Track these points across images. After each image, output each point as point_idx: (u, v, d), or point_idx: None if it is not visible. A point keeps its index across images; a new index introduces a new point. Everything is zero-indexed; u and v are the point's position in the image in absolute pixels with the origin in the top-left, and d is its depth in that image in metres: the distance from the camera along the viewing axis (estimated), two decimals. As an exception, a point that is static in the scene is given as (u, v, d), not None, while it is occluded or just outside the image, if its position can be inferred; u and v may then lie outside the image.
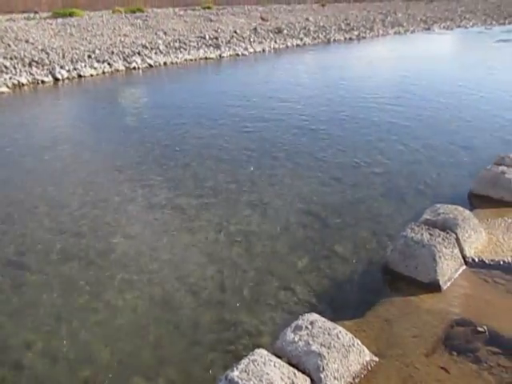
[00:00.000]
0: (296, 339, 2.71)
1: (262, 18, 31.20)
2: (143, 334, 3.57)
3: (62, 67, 14.68)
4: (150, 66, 17.04)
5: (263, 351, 2.66)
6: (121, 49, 18.10)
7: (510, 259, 3.81)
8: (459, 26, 38.75)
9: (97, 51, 17.21)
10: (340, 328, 2.81)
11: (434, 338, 3.02)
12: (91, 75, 14.98)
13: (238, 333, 3.54)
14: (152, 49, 18.79)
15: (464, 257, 3.76)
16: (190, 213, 5.45)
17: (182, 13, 31.25)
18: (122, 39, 20.21)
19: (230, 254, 4.58)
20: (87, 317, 3.75)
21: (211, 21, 28.32)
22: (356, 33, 29.64)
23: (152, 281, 4.20)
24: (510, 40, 27.77)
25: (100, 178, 6.57)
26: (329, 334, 2.72)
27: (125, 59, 16.81)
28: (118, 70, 15.93)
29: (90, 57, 16.37)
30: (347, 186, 6.15)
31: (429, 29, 35.90)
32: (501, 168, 5.06)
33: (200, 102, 11.40)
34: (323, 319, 2.87)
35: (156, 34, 22.00)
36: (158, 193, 6.01)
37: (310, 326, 2.78)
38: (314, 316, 2.89)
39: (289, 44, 24.06)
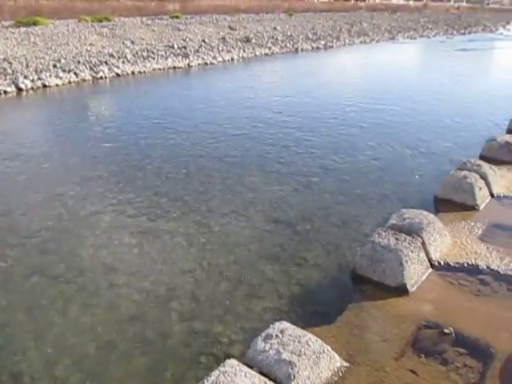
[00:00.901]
0: (267, 348, 2.70)
1: (231, 28, 31.38)
2: (111, 347, 3.48)
3: (25, 77, 14.30)
4: (118, 75, 16.83)
5: (234, 362, 2.64)
6: (87, 58, 17.81)
7: (473, 261, 3.92)
8: (422, 36, 40.01)
9: (62, 60, 16.88)
10: (310, 335, 2.82)
11: (402, 341, 3.06)
12: (56, 85, 14.65)
13: (209, 343, 3.50)
14: (119, 58, 18.57)
15: (430, 260, 3.84)
16: (159, 224, 5.37)
17: (149, 22, 31.09)
18: (89, 48, 19.91)
19: (201, 264, 4.54)
20: (52, 333, 3.63)
21: (179, 30, 28.28)
22: (323, 42, 30.15)
23: (120, 294, 4.11)
24: (470, 49, 28.88)
25: (64, 191, 6.41)
26: (299, 341, 2.72)
27: (91, 68, 16.54)
28: (84, 80, 15.65)
29: (55, 66, 16.03)
30: (316, 192, 6.22)
31: (393, 38, 36.91)
32: (463, 173, 5.22)
33: (168, 111, 11.31)
34: (293, 327, 2.87)
35: (123, 43, 21.78)
36: (126, 204, 5.91)
37: (280, 335, 2.78)
38: (285, 324, 2.89)
39: (257, 53, 24.24)
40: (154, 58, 19.47)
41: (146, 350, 3.46)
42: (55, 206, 5.88)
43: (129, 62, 18.35)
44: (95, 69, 16.54)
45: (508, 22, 67.07)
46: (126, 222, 5.42)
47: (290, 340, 2.73)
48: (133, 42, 22.08)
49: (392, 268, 3.56)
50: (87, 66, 16.72)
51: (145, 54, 19.92)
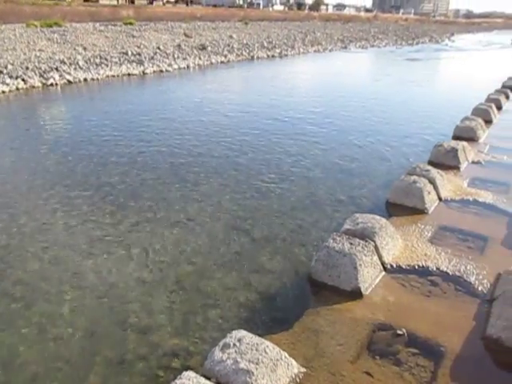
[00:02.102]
0: (224, 358, 2.68)
1: (186, 35, 31.27)
2: (66, 365, 3.34)
3: (-32, 83, 13.64)
4: (69, 82, 16.35)
5: (191, 373, 2.60)
6: (36, 64, 17.19)
7: (423, 263, 4.07)
8: (373, 46, 41.41)
9: (9, 66, 16.21)
10: (268, 343, 2.82)
11: (358, 344, 3.12)
12: (3, 92, 14.05)
13: (167, 356, 3.43)
14: (71, 64, 18.06)
15: (383, 263, 3.95)
16: (114, 234, 5.24)
17: (102, 28, 30.47)
18: (38, 54, 19.23)
19: (156, 274, 4.46)
20: (3, 351, 3.45)
21: (133, 37, 27.88)
22: (278, 50, 30.61)
23: (75, 309, 3.96)
24: (418, 58, 30.17)
25: (15, 201, 6.13)
26: (257, 349, 2.72)
27: (41, 75, 15.98)
28: (33, 87, 15.11)
29: (1, 72, 15.37)
30: (273, 199, 6.26)
31: (346, 47, 38.03)
32: (413, 178, 5.42)
33: (121, 119, 11.10)
34: (251, 335, 2.86)
35: (75, 49, 21.21)
36: (79, 214, 5.73)
37: (237, 343, 2.76)
38: (242, 333, 2.88)
39: (213, 61, 24.27)
40: (107, 65, 19.08)
41: (101, 366, 3.35)
42: (3, 217, 5.62)
43: (81, 68, 17.89)
44: (45, 75, 16.00)
45: (452, 34, 70.77)
46: (76, 232, 5.25)
47: (247, 348, 2.72)
48: (85, 49, 21.55)
49: (347, 272, 3.63)
50: (36, 72, 16.15)
51: (98, 60, 19.48)
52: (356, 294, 3.60)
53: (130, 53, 21.92)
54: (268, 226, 5.44)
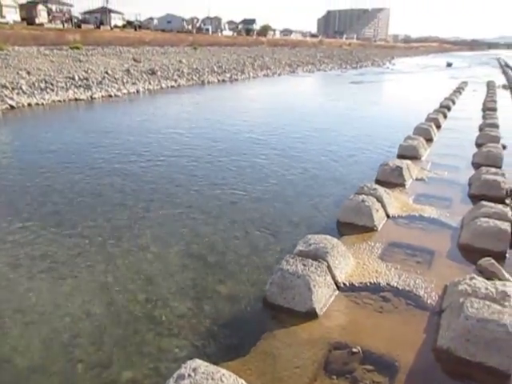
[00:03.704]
0: (179, 390, 2.59)
1: (135, 60, 31.07)
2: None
3: None
4: (12, 107, 15.75)
5: (145, 409, 2.49)
6: (-25, 89, 16.47)
7: (375, 280, 4.17)
8: (319, 70, 42.88)
9: None
10: (224, 371, 2.76)
11: (314, 365, 3.13)
12: None
13: (120, 392, 3.28)
14: (13, 89, 17.41)
15: (336, 283, 4.01)
16: (62, 264, 5.01)
17: (47, 52, 29.71)
18: (-23, 79, 18.43)
19: (108, 306, 4.29)
20: None
21: (80, 61, 27.37)
22: (228, 75, 31.02)
23: (16, 347, 3.72)
24: (362, 81, 31.51)
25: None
26: (212, 378, 2.66)
27: (-19, 100, 15.32)
28: (-28, 113, 14.43)
29: None
30: (226, 223, 6.24)
31: (294, 71, 39.13)
32: (361, 197, 5.58)
33: (67, 145, 10.78)
34: (206, 364, 2.80)
35: (18, 73, 20.48)
36: (26, 244, 5.44)
37: (192, 373, 2.69)
38: (197, 362, 2.81)
39: (163, 85, 24.21)
40: (53, 90, 18.57)
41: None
42: None
43: (25, 93, 17.30)
44: (-15, 101, 15.34)
45: (393, 57, 74.71)
46: (22, 264, 4.98)
47: (202, 378, 2.65)
48: (29, 73, 20.87)
49: (301, 294, 3.65)
50: (-24, 97, 15.46)
51: (43, 85, 18.91)
52: (311, 315, 3.62)
53: (76, 77, 21.46)
54: (222, 250, 5.41)
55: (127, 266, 5.01)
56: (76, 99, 18.65)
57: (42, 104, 16.95)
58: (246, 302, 4.30)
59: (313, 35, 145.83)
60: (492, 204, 5.44)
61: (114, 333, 3.91)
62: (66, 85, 19.92)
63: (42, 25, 52.68)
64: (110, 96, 20.07)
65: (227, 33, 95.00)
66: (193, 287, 4.60)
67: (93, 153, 10.02)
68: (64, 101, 18.01)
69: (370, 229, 5.27)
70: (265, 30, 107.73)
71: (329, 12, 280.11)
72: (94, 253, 5.31)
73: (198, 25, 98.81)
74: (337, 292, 3.97)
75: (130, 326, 4.01)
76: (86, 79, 21.49)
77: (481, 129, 11.29)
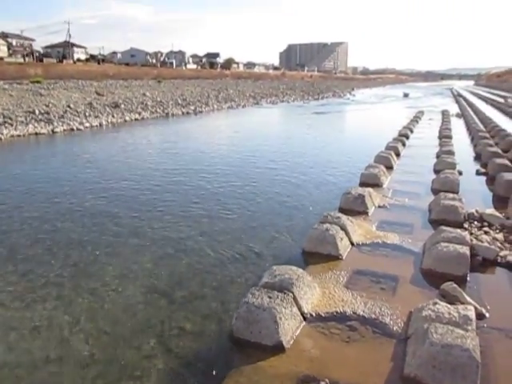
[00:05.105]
0: None
1: (98, 93, 30.90)
2: None
3: None
4: (-33, 143, 15.27)
5: None
6: None
7: (341, 309, 4.16)
8: (283, 101, 43.88)
9: None
10: (188, 413, 2.65)
11: (282, 401, 3.05)
12: None
13: None
14: (-31, 125, 16.93)
15: (302, 314, 3.96)
16: (17, 307, 4.75)
17: (6, 86, 29.15)
18: None
19: (66, 349, 4.07)
20: None
21: (41, 95, 26.97)
22: (193, 107, 31.25)
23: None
24: (324, 112, 32.41)
25: None
26: (176, 423, 2.54)
27: None
28: None
29: None
30: (191, 256, 6.14)
31: (258, 103, 39.86)
32: (325, 226, 5.62)
33: (21, 182, 10.47)
34: (170, 407, 2.68)
35: (-25, 108, 19.97)
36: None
37: (155, 419, 2.56)
38: (160, 406, 2.68)
39: (127, 118, 24.10)
40: (12, 125, 18.16)
41: None
42: None
43: (-19, 128, 16.83)
44: None
45: (353, 89, 77.54)
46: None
47: (166, 423, 2.53)
48: (-14, 108, 20.38)
49: (268, 327, 3.59)
50: None
51: (0, 119, 18.46)
52: (278, 348, 3.55)
53: (37, 111, 21.09)
54: (188, 285, 5.29)
55: (87, 306, 4.81)
56: (36, 133, 18.28)
57: (0, 139, 16.49)
58: (211, 338, 4.19)
59: (275, 68, 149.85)
60: (451, 229, 5.58)
61: (73, 378, 3.70)
62: (26, 119, 19.53)
63: (1, 59, 51.87)
64: (72, 130, 19.79)
65: (191, 66, 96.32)
66: (157, 325, 4.45)
67: (50, 189, 9.75)
68: (24, 135, 17.62)
69: (334, 257, 5.29)
70: (229, 63, 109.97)
71: (290, 46, 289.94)
72: (52, 292, 5.07)
73: (162, 59, 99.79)
74: (303, 323, 3.92)
75: (90, 369, 3.82)
76: (47, 113, 21.16)
77: (438, 156, 11.72)
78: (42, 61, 60.31)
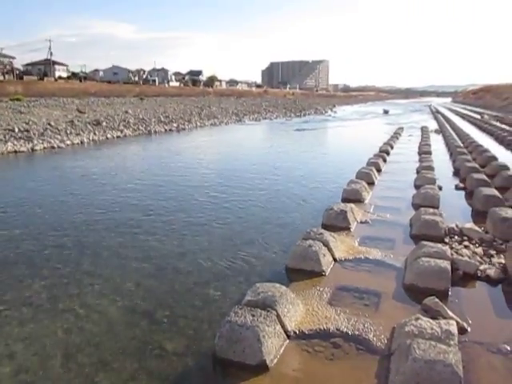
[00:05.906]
0: None
1: (79, 111, 30.72)
2: None
3: None
4: None
5: None
6: None
7: (325, 326, 4.13)
8: (265, 118, 44.24)
9: None
10: None
11: (266, 422, 2.99)
12: None
13: None
14: None
15: (286, 331, 3.93)
16: (-8, 332, 4.61)
17: (-15, 105, 28.81)
18: None
19: (47, 370, 3.94)
20: None
21: (21, 113, 26.69)
22: (175, 125, 31.25)
23: None
24: (306, 129, 32.75)
25: None
26: None
27: None
28: None
29: None
30: (173, 274, 6.06)
31: (240, 120, 40.08)
32: (308, 242, 5.62)
33: (7, 200, 10.28)
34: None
35: (-49, 127, 19.62)
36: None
37: None
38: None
39: (109, 136, 23.95)
40: (-11, 143, 17.86)
41: None
42: None
43: (-43, 147, 16.51)
44: None
45: (334, 106, 78.69)
46: None
47: None
48: (-37, 126, 20.05)
49: (251, 346, 3.54)
50: None
51: (-21, 138, 18.18)
52: (262, 368, 3.50)
53: (17, 129, 20.82)
54: (170, 304, 5.20)
55: (65, 328, 4.68)
56: (16, 151, 18.02)
57: (-22, 157, 16.22)
58: (194, 358, 4.10)
59: (258, 85, 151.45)
60: (432, 243, 5.64)
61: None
62: (5, 137, 19.27)
63: (-20, 77, 51.32)
64: (53, 147, 19.56)
65: (174, 84, 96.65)
66: (138, 346, 4.35)
67: (28, 208, 9.58)
68: (2, 153, 17.33)
69: (318, 274, 5.28)
70: (211, 80, 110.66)
71: (272, 64, 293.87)
72: (29, 313, 4.93)
73: (144, 76, 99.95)
74: (287, 341, 3.89)
75: (68, 394, 3.70)
76: (27, 131, 20.90)
77: (418, 171, 11.91)
78: (22, 78, 59.81)
